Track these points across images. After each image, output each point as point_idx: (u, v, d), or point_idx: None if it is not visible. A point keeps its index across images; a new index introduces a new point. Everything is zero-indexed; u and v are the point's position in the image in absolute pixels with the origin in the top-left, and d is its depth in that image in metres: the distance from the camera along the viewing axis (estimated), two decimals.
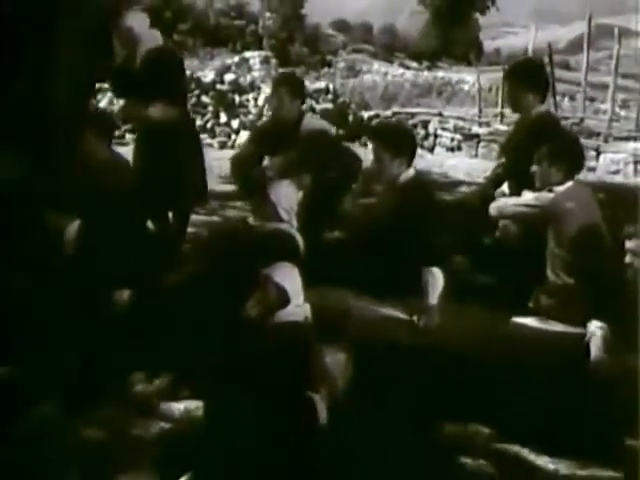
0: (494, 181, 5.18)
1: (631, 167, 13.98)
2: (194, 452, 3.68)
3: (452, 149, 17.28)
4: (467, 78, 29.95)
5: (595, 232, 4.44)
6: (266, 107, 16.10)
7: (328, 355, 4.22)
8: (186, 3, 32.52)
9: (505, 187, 5.02)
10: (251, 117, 16.52)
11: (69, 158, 5.46)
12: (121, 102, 6.80)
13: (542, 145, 4.58)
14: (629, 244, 4.47)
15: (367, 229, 4.77)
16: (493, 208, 4.75)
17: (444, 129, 17.57)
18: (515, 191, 4.81)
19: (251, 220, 5.00)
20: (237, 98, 17.16)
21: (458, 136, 17.06)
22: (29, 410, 4.01)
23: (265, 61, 21.01)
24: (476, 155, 16.29)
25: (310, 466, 3.67)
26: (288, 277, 4.07)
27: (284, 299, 3.97)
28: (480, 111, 18.79)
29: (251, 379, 3.82)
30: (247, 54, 21.40)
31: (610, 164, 14.34)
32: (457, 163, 15.17)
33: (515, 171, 4.91)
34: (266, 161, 5.20)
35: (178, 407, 4.28)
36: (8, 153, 5.29)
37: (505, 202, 4.76)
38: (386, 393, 4.25)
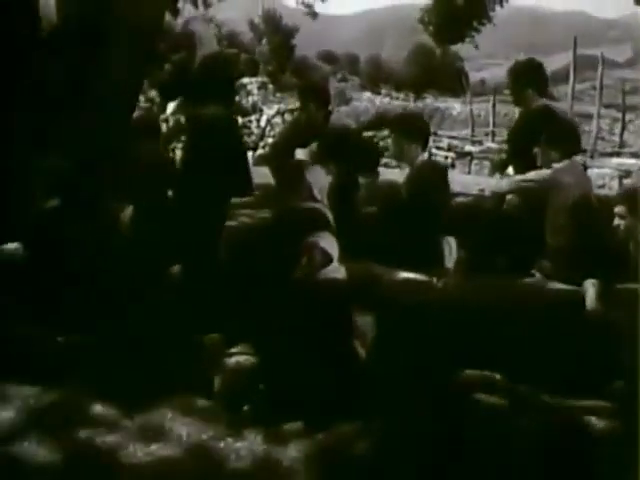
0: (500, 166, 5.96)
1: (616, 181, 14.74)
2: (252, 387, 4.38)
3: (446, 167, 18.00)
4: (455, 105, 30.81)
5: (587, 201, 5.20)
6: (268, 128, 16.80)
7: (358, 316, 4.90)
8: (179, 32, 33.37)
9: (510, 169, 5.77)
10: (254, 137, 17.25)
11: (119, 153, 6.14)
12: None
13: (542, 131, 5.34)
14: (617, 209, 5.19)
15: (389, 205, 5.50)
16: (501, 184, 5.54)
17: (438, 148, 18.32)
18: (519, 172, 5.58)
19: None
20: (240, 120, 17.91)
21: (452, 154, 17.79)
22: None
23: (263, 86, 21.78)
24: (469, 172, 17.00)
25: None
26: (329, 243, 4.82)
27: (328, 259, 4.71)
28: (473, 130, 19.57)
29: (301, 327, 4.53)
30: (245, 80, 22.15)
31: (596, 178, 15.10)
32: (451, 179, 15.84)
33: (519, 155, 5.66)
34: (297, 151, 5.89)
35: (231, 360, 4.90)
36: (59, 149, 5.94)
37: (511, 179, 5.55)
38: (409, 347, 4.91)
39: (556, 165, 5.24)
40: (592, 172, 15.15)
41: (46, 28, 6.50)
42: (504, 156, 6.09)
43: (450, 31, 13.55)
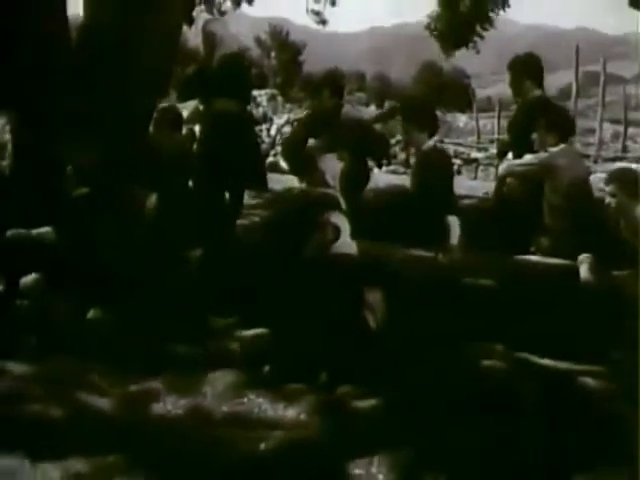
0: (499, 152, 6.37)
1: None
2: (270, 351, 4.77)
3: None
4: (462, 118, 31.22)
5: (582, 182, 5.60)
6: (278, 136, 17.21)
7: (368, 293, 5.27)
8: (190, 48, 33.85)
9: (510, 155, 6.17)
10: (265, 146, 17.67)
11: (144, 144, 6.56)
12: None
13: (539, 118, 5.75)
14: (608, 188, 5.57)
15: (396, 191, 5.91)
16: (502, 168, 5.97)
17: None
18: (518, 157, 5.98)
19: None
20: None
21: (458, 161, 18.16)
22: None
23: (272, 98, 22.20)
24: (475, 177, 17.35)
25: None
26: (339, 220, 5.21)
27: (338, 234, 5.10)
28: (479, 137, 19.95)
29: (315, 297, 4.91)
30: (254, 92, 22.58)
31: (599, 182, 15.41)
32: (458, 184, 16.22)
33: (518, 141, 6.07)
34: (311, 141, 6.29)
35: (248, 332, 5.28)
36: (90, 140, 6.35)
37: (511, 163, 5.96)
38: (417, 319, 5.27)
39: (552, 149, 5.63)
40: (596, 176, 15.48)
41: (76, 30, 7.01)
42: (504, 143, 6.49)
43: (455, 36, 13.98)
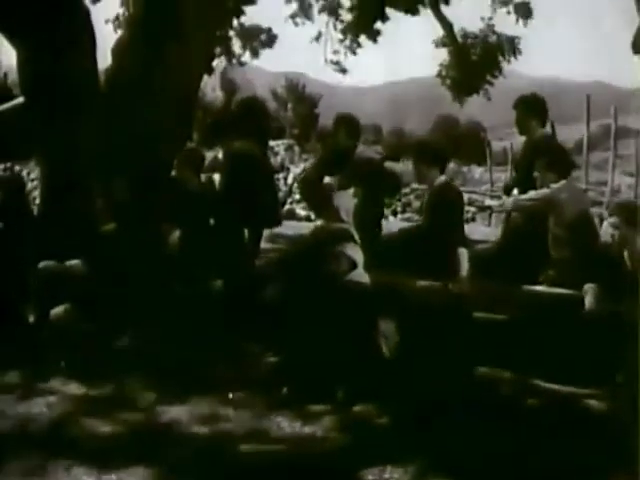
0: (506, 188, 6.68)
1: None
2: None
3: (467, 220, 18.63)
4: (477, 170, 31.61)
5: (584, 215, 5.88)
6: (295, 185, 17.58)
7: (382, 323, 5.54)
8: (208, 101, 34.69)
9: (515, 192, 6.47)
10: (281, 194, 18.04)
11: (167, 184, 6.92)
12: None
13: (541, 156, 6.06)
14: (611, 220, 5.83)
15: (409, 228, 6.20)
16: (508, 203, 6.25)
17: None
18: (523, 193, 6.28)
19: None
20: None
21: (473, 208, 18.38)
22: None
23: (289, 148, 22.63)
24: (489, 224, 17.57)
25: None
26: (353, 252, 5.52)
27: (352, 265, 5.39)
28: (492, 184, 20.23)
29: (331, 322, 5.20)
30: (272, 142, 23.06)
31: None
32: (472, 230, 16.48)
33: (523, 178, 6.38)
34: (326, 179, 6.60)
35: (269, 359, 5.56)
36: (122, 182, 6.74)
37: (516, 198, 6.25)
38: (428, 346, 5.52)
39: (554, 185, 5.92)
40: (609, 221, 15.66)
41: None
42: (511, 181, 6.80)
43: (465, 84, 14.38)
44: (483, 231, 16.01)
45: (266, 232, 7.60)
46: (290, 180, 18.37)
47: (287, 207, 17.25)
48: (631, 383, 4.43)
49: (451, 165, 35.62)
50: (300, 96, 48.86)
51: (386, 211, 15.25)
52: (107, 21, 13.68)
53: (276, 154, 21.96)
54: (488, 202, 18.53)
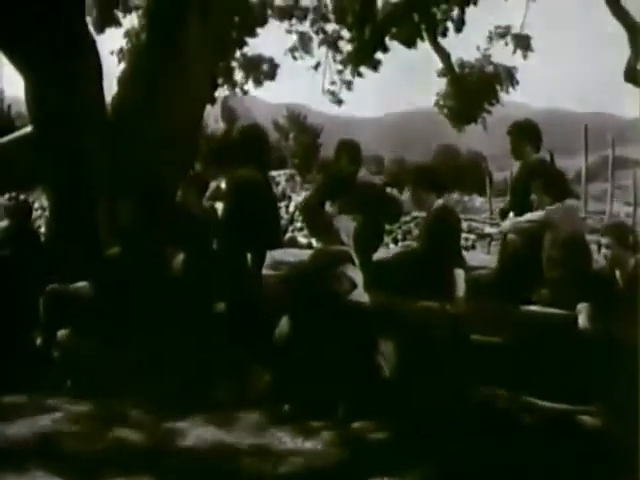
0: (502, 212, 6.86)
1: None
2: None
3: (467, 248, 18.77)
4: (478, 199, 31.81)
5: (578, 236, 6.05)
6: (296, 213, 17.76)
7: (382, 344, 5.68)
8: (211, 132, 35.09)
9: (511, 215, 6.65)
10: (283, 222, 18.21)
11: (171, 209, 7.11)
12: None
13: (537, 180, 6.24)
14: (603, 240, 5.97)
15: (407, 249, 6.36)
16: (505, 225, 6.43)
17: None
18: (519, 216, 6.46)
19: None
20: None
21: (473, 236, 18.54)
22: None
23: (290, 178, 22.83)
24: (489, 252, 17.72)
25: None
26: (354, 273, 5.68)
27: (353, 285, 5.56)
28: (491, 212, 20.39)
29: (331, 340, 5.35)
30: (273, 173, 23.26)
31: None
32: (472, 257, 16.61)
33: (519, 201, 6.56)
34: (327, 205, 6.76)
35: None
36: (127, 207, 6.92)
37: (513, 220, 6.44)
38: (426, 365, 5.66)
39: (549, 207, 6.10)
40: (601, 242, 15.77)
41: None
42: (507, 205, 6.99)
43: (463, 112, 14.61)
44: (483, 258, 16.12)
45: (269, 259, 7.75)
46: (292, 208, 18.54)
47: (289, 235, 17.41)
48: (626, 399, 4.58)
49: (453, 195, 35.91)
50: (302, 126, 49.24)
51: (386, 238, 15.40)
52: (112, 52, 13.96)
53: (277, 184, 22.17)
54: (488, 230, 18.72)
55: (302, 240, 16.50)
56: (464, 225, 19.22)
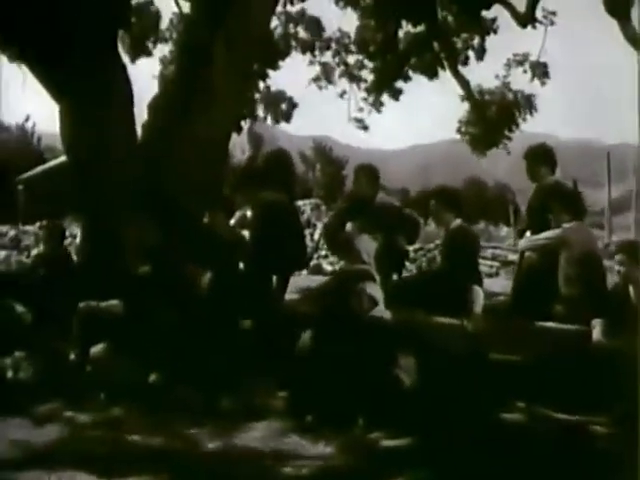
0: (519, 232, 7.07)
1: None
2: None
3: (491, 275, 18.82)
4: (504, 229, 31.94)
5: (593, 253, 6.25)
6: (321, 241, 17.96)
7: (402, 359, 5.88)
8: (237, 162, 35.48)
9: (528, 234, 6.86)
10: (308, 250, 18.40)
11: (198, 231, 7.38)
12: None
13: (554, 201, 6.45)
14: (617, 257, 6.17)
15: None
16: (522, 243, 6.65)
17: (483, 257, 19.15)
18: (536, 234, 6.67)
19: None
20: None
21: (497, 263, 18.60)
22: None
23: (316, 207, 23.03)
24: (512, 279, 17.75)
25: None
26: (374, 290, 5.91)
27: (374, 302, 5.79)
28: (515, 239, 20.45)
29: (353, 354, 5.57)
30: (299, 202, 23.45)
31: None
32: (496, 284, 16.70)
33: (536, 221, 6.77)
34: (348, 225, 6.99)
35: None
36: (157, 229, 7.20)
37: (529, 239, 6.65)
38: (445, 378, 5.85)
39: (565, 225, 6.31)
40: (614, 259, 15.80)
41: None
42: (523, 225, 7.21)
43: (484, 139, 14.84)
44: (506, 285, 16.19)
45: (293, 286, 7.97)
46: (316, 236, 18.76)
47: (314, 262, 17.60)
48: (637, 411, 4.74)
49: (480, 225, 35.99)
50: (328, 158, 49.64)
51: (411, 266, 15.54)
52: (154, 77, 14.33)
53: (303, 212, 22.37)
54: (511, 257, 18.79)
55: (327, 267, 16.71)
56: (488, 253, 19.35)
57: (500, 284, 16.63)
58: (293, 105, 16.98)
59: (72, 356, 6.44)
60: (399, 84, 15.05)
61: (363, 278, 6.11)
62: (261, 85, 15.75)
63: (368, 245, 6.60)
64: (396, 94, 15.26)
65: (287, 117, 16.83)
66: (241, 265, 7.24)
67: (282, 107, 16.72)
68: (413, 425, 5.21)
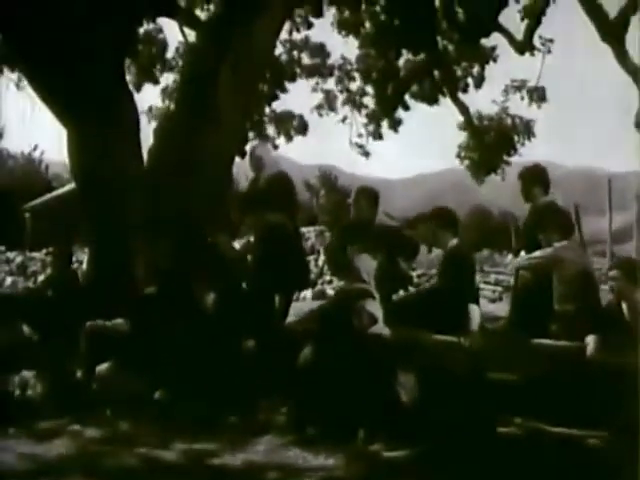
0: (515, 251, 7.23)
1: None
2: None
3: (494, 300, 18.87)
4: (509, 256, 32.06)
5: (586, 271, 6.40)
6: (325, 267, 18.09)
7: (401, 375, 6.03)
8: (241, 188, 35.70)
9: (522, 253, 7.02)
10: (312, 276, 18.52)
11: (203, 251, 7.55)
12: None
13: (545, 220, 6.62)
14: (611, 273, 6.30)
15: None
16: (515, 262, 6.81)
17: (486, 282, 19.24)
18: (529, 254, 6.83)
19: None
20: None
21: (499, 288, 18.68)
22: None
23: (320, 234, 23.17)
24: None
25: None
26: (374, 308, 6.07)
27: (374, 319, 5.95)
28: (512, 259, 20.51)
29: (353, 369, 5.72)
30: (304, 229, 23.58)
31: None
32: (499, 308, 16.79)
33: (530, 240, 6.92)
34: (348, 247, 7.15)
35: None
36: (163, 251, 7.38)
37: (522, 257, 6.81)
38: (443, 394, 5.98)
39: (557, 244, 6.47)
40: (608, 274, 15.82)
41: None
42: (519, 246, 7.39)
43: (483, 164, 15.03)
44: (507, 309, 16.31)
45: (297, 308, 8.12)
46: (320, 262, 18.90)
47: (318, 287, 17.72)
48: (632, 425, 4.87)
49: (484, 253, 36.08)
50: (333, 186, 49.91)
51: (413, 290, 15.63)
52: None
53: (307, 239, 22.52)
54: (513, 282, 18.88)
55: (331, 293, 16.85)
56: (492, 278, 19.44)
57: (503, 309, 16.68)
58: (304, 123, 17.18)
59: (79, 374, 6.59)
60: (401, 114, 15.30)
61: (363, 296, 6.28)
62: (267, 110, 16.01)
63: (368, 264, 6.76)
64: (395, 125, 15.48)
65: (303, 130, 16.99)
66: (244, 285, 7.39)
67: (294, 123, 16.93)
68: (413, 439, 5.36)
